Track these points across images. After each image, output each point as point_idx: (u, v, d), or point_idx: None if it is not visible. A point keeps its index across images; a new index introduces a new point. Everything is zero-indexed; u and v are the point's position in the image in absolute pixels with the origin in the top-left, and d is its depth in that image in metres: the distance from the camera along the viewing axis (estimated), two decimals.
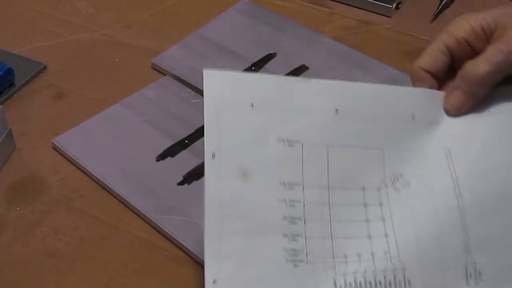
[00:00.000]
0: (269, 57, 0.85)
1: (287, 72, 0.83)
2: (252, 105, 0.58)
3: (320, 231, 0.56)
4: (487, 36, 0.60)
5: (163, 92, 0.82)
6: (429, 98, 0.61)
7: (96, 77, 0.85)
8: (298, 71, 0.83)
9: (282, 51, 0.86)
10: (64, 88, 0.84)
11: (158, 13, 0.94)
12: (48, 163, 0.75)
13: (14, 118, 0.78)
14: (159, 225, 0.68)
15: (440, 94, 0.61)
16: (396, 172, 0.58)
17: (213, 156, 0.56)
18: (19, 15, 0.94)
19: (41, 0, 0.96)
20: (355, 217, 0.57)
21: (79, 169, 0.74)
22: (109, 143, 0.76)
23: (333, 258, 0.56)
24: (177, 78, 0.83)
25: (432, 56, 0.61)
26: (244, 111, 0.57)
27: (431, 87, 0.61)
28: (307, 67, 0.84)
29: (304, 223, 0.56)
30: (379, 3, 0.94)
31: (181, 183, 0.72)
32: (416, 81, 0.62)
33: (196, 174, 0.73)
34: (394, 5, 0.92)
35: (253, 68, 0.83)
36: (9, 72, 0.82)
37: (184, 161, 0.74)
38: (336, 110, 0.59)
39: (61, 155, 0.76)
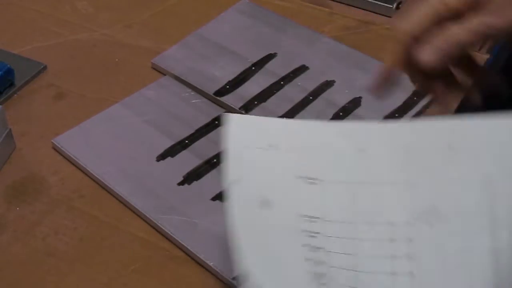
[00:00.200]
0: (269, 57, 0.85)
1: (287, 72, 0.83)
2: (272, 146, 0.57)
3: (343, 262, 0.54)
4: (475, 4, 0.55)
5: (163, 92, 0.82)
6: (466, 126, 0.56)
7: (96, 77, 0.85)
8: (298, 71, 0.83)
9: (282, 51, 0.86)
10: (64, 88, 0.84)
11: (158, 13, 0.94)
12: (48, 163, 0.75)
13: (14, 118, 0.78)
14: (159, 225, 0.68)
15: (481, 123, 0.56)
16: (430, 204, 0.55)
17: (234, 182, 0.55)
18: (19, 15, 0.94)
19: (41, 0, 0.96)
20: (380, 253, 0.54)
21: (79, 169, 0.74)
22: (109, 143, 0.76)
23: None
24: (177, 78, 0.83)
25: (419, 22, 0.56)
26: (264, 150, 0.57)
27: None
28: (307, 67, 0.84)
29: (327, 252, 0.54)
30: (379, 3, 0.94)
31: (181, 183, 0.72)
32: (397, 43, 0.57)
33: (196, 174, 0.73)
34: (395, 5, 0.92)
35: (253, 68, 0.83)
36: (9, 72, 0.82)
37: (184, 161, 0.74)
38: (359, 149, 0.57)
39: (61, 155, 0.76)
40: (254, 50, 0.87)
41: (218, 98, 0.81)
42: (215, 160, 0.74)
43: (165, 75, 0.84)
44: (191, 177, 0.72)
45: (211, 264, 0.65)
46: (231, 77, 0.83)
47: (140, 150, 0.75)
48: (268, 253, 0.54)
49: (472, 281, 0.52)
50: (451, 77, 0.60)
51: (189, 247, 0.66)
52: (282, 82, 0.82)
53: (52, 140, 0.76)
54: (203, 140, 0.76)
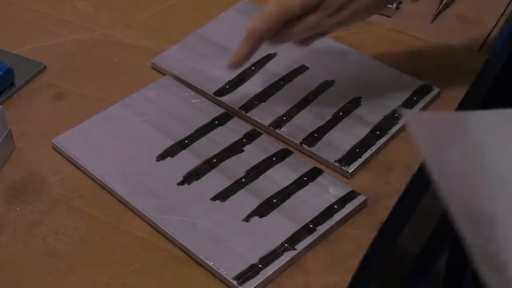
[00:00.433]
0: (269, 57, 0.85)
1: (287, 72, 0.83)
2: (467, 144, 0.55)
3: None
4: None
5: (163, 92, 0.82)
6: None
7: (96, 77, 0.85)
8: (298, 71, 0.83)
9: (282, 51, 0.86)
10: (64, 88, 0.84)
11: (158, 13, 0.94)
12: (48, 163, 0.75)
13: (14, 118, 0.78)
14: (159, 225, 0.68)
15: None
16: None
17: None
18: (19, 15, 0.94)
19: (41, 0, 0.95)
20: None
21: (79, 169, 0.74)
22: (109, 143, 0.76)
23: None
24: (177, 78, 0.83)
25: (266, 25, 0.69)
26: (462, 148, 0.55)
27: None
28: (307, 67, 0.84)
29: None
30: None
31: (181, 183, 0.72)
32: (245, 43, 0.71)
33: (196, 174, 0.73)
34: (395, 5, 0.92)
35: (253, 68, 0.83)
36: (9, 72, 0.82)
37: (184, 161, 0.74)
38: None
39: (61, 155, 0.76)
40: None
41: (218, 98, 0.81)
42: (215, 160, 0.74)
43: (165, 75, 0.84)
44: (191, 177, 0.72)
45: (211, 264, 0.65)
46: (231, 77, 0.82)
47: (140, 150, 0.75)
48: None
49: None
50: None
51: (189, 247, 0.66)
52: (282, 82, 0.82)
53: (52, 140, 0.76)
54: (203, 140, 0.76)
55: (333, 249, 0.67)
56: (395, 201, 0.70)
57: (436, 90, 0.80)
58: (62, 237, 0.68)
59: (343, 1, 0.69)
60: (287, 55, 0.85)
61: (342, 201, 0.69)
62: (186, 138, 0.76)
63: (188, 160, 0.74)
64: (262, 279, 0.64)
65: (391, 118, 0.77)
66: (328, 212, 0.69)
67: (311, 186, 0.71)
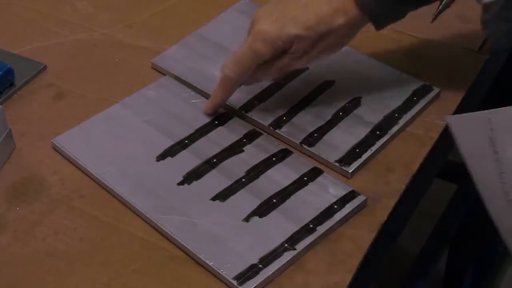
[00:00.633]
0: None
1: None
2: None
3: None
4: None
5: (163, 92, 0.82)
6: None
7: (96, 77, 0.85)
8: (297, 71, 0.83)
9: None
10: (64, 88, 0.84)
11: (158, 13, 0.94)
12: (48, 163, 0.75)
13: (14, 118, 0.78)
14: (159, 225, 0.68)
15: None
16: None
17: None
18: (19, 15, 0.94)
19: (41, 0, 0.96)
20: None
21: (79, 169, 0.74)
22: (109, 143, 0.76)
23: None
24: (177, 78, 0.83)
25: (240, 71, 0.74)
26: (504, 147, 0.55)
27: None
28: (306, 67, 0.83)
29: None
30: None
31: (181, 183, 0.72)
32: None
33: (196, 174, 0.73)
34: None
35: None
36: (9, 72, 0.82)
37: (184, 161, 0.74)
38: None
39: (61, 155, 0.76)
40: None
41: None
42: (215, 160, 0.74)
43: (165, 75, 0.84)
44: (191, 177, 0.72)
45: (211, 264, 0.65)
46: None
47: (140, 150, 0.75)
48: None
49: None
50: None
51: (189, 247, 0.66)
52: (282, 82, 0.82)
53: (52, 140, 0.76)
54: (203, 140, 0.76)
55: (333, 249, 0.67)
56: (395, 201, 0.70)
57: (436, 90, 0.80)
58: (62, 237, 0.68)
59: (307, 46, 0.73)
60: None
61: (342, 201, 0.69)
62: (186, 138, 0.76)
63: (188, 160, 0.74)
64: (262, 279, 0.64)
65: (391, 118, 0.77)
66: (328, 212, 0.69)
67: (311, 186, 0.71)
